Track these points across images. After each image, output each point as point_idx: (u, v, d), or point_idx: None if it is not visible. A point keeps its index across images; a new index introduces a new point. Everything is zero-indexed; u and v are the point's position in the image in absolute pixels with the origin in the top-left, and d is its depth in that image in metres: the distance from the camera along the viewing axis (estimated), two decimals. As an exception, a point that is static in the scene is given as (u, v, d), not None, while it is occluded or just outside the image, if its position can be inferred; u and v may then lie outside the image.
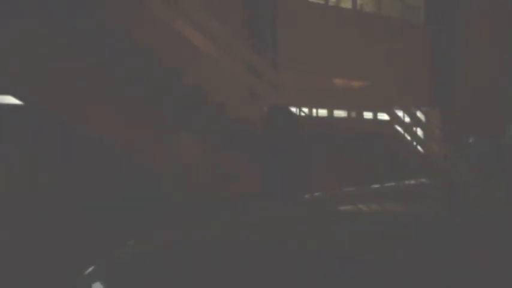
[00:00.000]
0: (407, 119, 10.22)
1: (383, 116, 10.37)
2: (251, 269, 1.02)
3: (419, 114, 11.05)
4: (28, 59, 5.08)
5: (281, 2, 9.72)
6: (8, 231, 4.99)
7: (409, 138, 9.84)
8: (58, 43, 5.22)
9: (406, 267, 0.90)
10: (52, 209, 5.37)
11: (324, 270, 0.94)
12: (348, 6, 11.83)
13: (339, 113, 11.03)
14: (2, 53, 4.99)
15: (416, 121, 10.22)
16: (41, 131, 5.75)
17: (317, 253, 1.01)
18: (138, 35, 5.68)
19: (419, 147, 9.96)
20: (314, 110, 10.28)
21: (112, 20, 5.57)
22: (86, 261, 1.33)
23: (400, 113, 9.98)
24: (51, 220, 5.26)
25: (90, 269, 1.27)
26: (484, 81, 12.67)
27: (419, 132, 10.40)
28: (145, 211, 5.23)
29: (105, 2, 5.70)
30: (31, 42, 5.10)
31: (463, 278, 0.86)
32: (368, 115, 11.16)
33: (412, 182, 2.56)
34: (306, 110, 9.76)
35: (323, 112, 10.58)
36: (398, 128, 9.70)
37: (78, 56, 5.35)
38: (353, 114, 11.06)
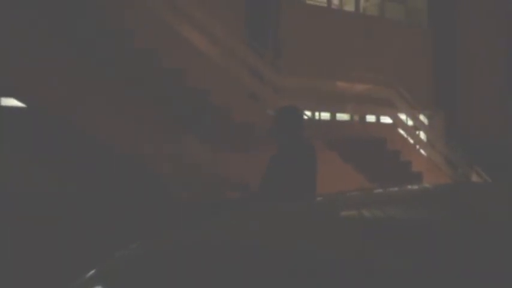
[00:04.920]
0: (410, 123, 10.19)
1: (386, 120, 10.34)
2: (254, 272, 1.02)
3: (422, 117, 11.01)
4: (31, 60, 5.07)
5: (284, 5, 9.72)
6: (11, 233, 4.98)
7: (412, 141, 9.80)
8: (61, 44, 5.22)
9: (410, 274, 0.89)
10: (57, 212, 5.36)
11: (326, 275, 0.94)
12: (351, 9, 11.82)
13: (342, 117, 11.00)
14: (5, 55, 4.99)
15: (419, 124, 10.18)
16: (45, 134, 5.74)
17: (319, 257, 1.00)
18: (141, 38, 5.68)
19: (422, 151, 9.92)
20: (317, 114, 10.26)
21: (114, 22, 5.57)
22: (90, 264, 1.32)
23: (403, 117, 9.95)
24: (56, 222, 5.25)
25: (91, 272, 1.26)
26: (488, 84, 12.64)
27: (423, 135, 10.37)
28: (151, 213, 5.23)
29: (106, 3, 5.70)
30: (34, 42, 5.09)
31: (468, 283, 0.85)
32: (371, 118, 11.14)
33: (415, 187, 2.55)
34: (308, 113, 9.74)
35: (326, 116, 10.56)
36: (402, 132, 9.67)
37: (82, 58, 5.35)
38: (356, 117, 11.02)
